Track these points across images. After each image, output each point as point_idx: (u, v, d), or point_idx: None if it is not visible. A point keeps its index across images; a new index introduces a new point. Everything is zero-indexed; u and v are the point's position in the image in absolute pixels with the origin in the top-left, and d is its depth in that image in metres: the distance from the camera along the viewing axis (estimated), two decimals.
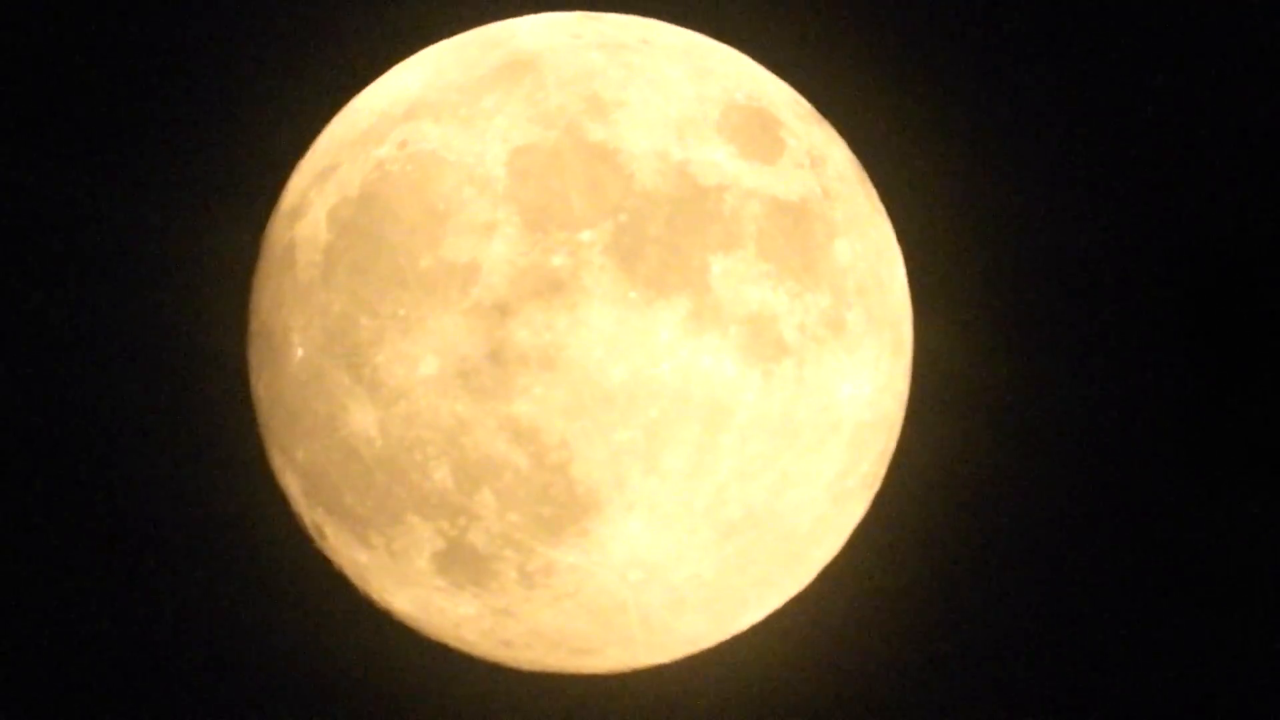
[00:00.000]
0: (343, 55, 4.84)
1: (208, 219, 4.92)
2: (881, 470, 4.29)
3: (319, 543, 4.21)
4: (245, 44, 5.00)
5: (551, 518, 3.77)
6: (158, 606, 4.97)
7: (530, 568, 3.84)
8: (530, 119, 3.80)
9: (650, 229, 3.70)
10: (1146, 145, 5.21)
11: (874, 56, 5.05)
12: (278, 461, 4.21)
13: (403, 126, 3.92)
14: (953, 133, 5.11)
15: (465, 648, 4.27)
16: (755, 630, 4.40)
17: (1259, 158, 5.12)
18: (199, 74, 5.00)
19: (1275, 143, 5.13)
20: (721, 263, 3.73)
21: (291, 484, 4.16)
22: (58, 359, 4.96)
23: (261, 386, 4.18)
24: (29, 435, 4.95)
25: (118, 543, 4.96)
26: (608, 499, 3.75)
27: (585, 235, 3.68)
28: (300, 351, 3.93)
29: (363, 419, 3.81)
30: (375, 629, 4.51)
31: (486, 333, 3.67)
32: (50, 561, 4.96)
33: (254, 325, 4.20)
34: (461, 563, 3.87)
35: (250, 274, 4.27)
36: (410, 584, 4.01)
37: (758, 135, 3.93)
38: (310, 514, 4.13)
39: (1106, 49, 5.17)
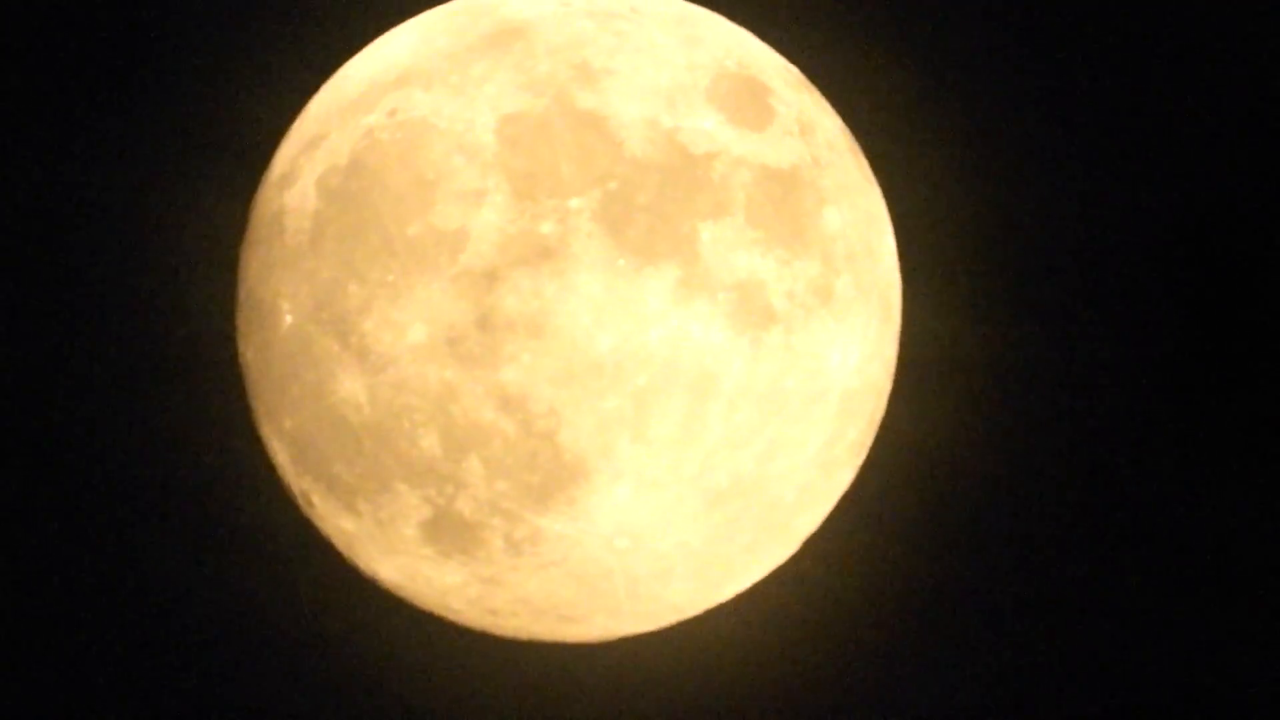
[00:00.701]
0: (332, 23, 4.83)
1: (196, 188, 4.90)
2: (869, 439, 4.30)
3: (307, 511, 4.21)
4: (234, 12, 4.99)
5: (539, 485, 3.77)
6: (143, 575, 4.96)
7: (517, 536, 3.85)
8: (520, 86, 3.80)
9: (639, 196, 3.70)
10: (1141, 120, 5.22)
11: (865, 24, 5.05)
12: (266, 429, 4.21)
13: (392, 94, 3.91)
14: (944, 102, 5.11)
15: (452, 616, 4.27)
16: (742, 598, 4.41)
17: (1263, 119, 5.13)
18: (187, 42, 4.99)
19: (1275, 132, 5.14)
20: (711, 230, 3.73)
21: (279, 452, 4.16)
22: (43, 329, 4.95)
23: (250, 354, 4.17)
24: (12, 406, 4.94)
25: (103, 512, 4.96)
26: (595, 467, 3.75)
27: (574, 202, 3.68)
28: (289, 319, 3.92)
29: (351, 386, 3.81)
30: (362, 597, 4.52)
31: (475, 299, 3.67)
32: (35, 531, 4.95)
33: (242, 293, 4.20)
34: (449, 531, 3.87)
35: (239, 242, 4.27)
36: (397, 552, 4.01)
37: (747, 103, 3.93)
38: (298, 482, 4.13)
39: (1103, 18, 5.17)
